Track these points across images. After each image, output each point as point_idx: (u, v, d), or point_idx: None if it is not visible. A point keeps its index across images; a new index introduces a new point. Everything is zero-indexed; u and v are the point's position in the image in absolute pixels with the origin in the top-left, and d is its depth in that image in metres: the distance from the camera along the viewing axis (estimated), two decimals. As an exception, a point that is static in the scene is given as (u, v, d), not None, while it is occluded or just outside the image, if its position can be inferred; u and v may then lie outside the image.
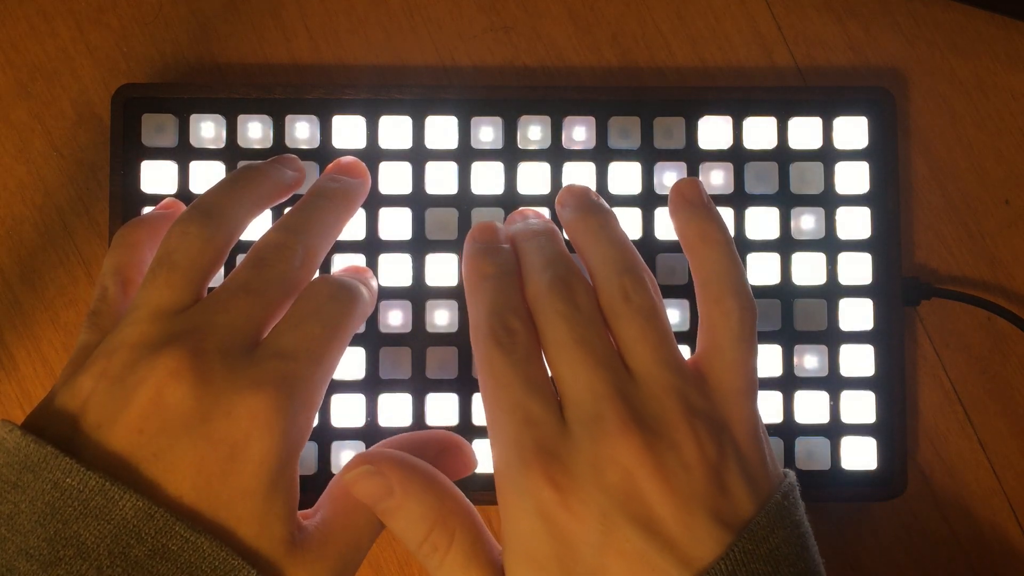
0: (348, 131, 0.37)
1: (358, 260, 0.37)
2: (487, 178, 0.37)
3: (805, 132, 0.38)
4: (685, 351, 0.32)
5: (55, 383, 0.29)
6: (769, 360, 0.37)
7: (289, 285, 0.31)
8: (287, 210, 0.33)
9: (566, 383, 0.29)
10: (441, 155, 0.37)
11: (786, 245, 0.38)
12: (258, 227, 0.33)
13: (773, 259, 0.37)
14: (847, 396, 0.37)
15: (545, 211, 0.37)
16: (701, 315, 0.31)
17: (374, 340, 0.37)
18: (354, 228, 0.37)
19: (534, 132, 0.38)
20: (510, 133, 0.37)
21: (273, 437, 0.27)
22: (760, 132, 0.38)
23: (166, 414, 0.27)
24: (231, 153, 0.37)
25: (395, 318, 0.37)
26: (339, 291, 0.31)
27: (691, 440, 0.27)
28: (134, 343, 0.28)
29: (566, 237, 0.34)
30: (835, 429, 0.37)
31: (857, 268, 0.38)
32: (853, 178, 0.38)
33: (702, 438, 0.27)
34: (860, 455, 0.37)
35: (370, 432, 0.36)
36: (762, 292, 0.37)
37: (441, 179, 0.37)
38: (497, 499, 0.28)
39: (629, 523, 0.26)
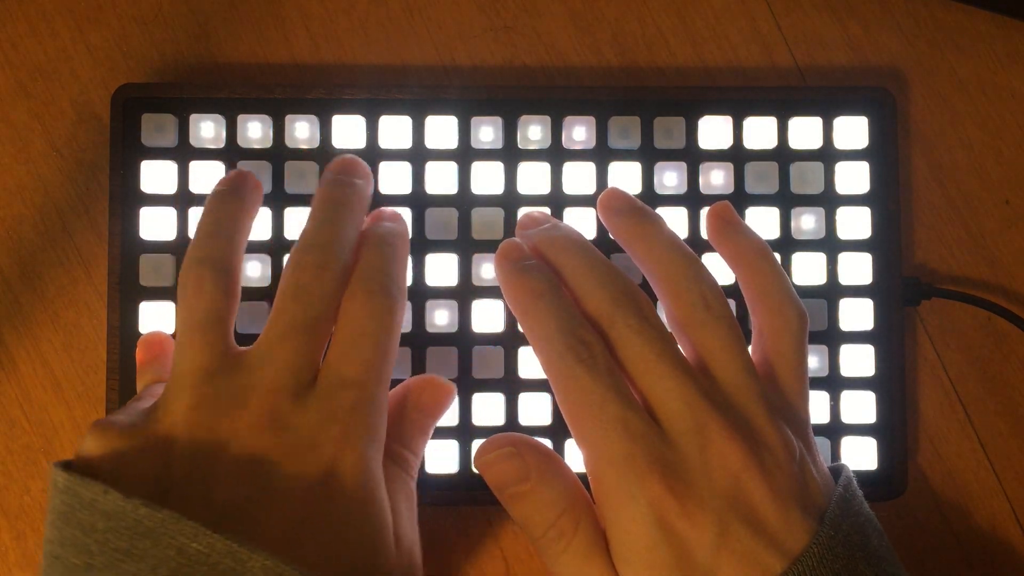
0: (348, 131, 0.37)
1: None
2: (487, 178, 0.37)
3: (805, 132, 0.38)
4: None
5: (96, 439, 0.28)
6: (769, 360, 0.37)
7: (331, 307, 0.30)
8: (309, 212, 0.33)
9: (658, 397, 0.29)
10: (441, 155, 0.37)
11: (786, 245, 0.38)
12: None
13: (773, 259, 0.37)
14: (847, 396, 0.37)
15: (546, 210, 0.37)
16: (760, 324, 0.33)
17: (374, 340, 0.37)
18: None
19: (534, 132, 0.38)
20: (510, 133, 0.37)
21: (359, 453, 0.28)
22: (760, 132, 0.38)
23: (255, 464, 0.27)
24: (231, 153, 0.37)
25: (395, 318, 0.37)
26: (377, 309, 0.30)
27: (780, 442, 0.29)
28: (194, 405, 0.28)
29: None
30: (835, 429, 0.37)
31: (857, 268, 0.38)
32: (853, 178, 0.38)
33: (787, 439, 0.29)
34: (860, 455, 0.37)
35: (370, 432, 0.36)
36: (762, 292, 0.37)
37: (441, 179, 0.37)
38: (605, 511, 0.29)
39: (740, 523, 0.27)
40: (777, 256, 0.37)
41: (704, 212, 0.36)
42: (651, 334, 0.30)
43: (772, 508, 0.28)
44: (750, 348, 0.33)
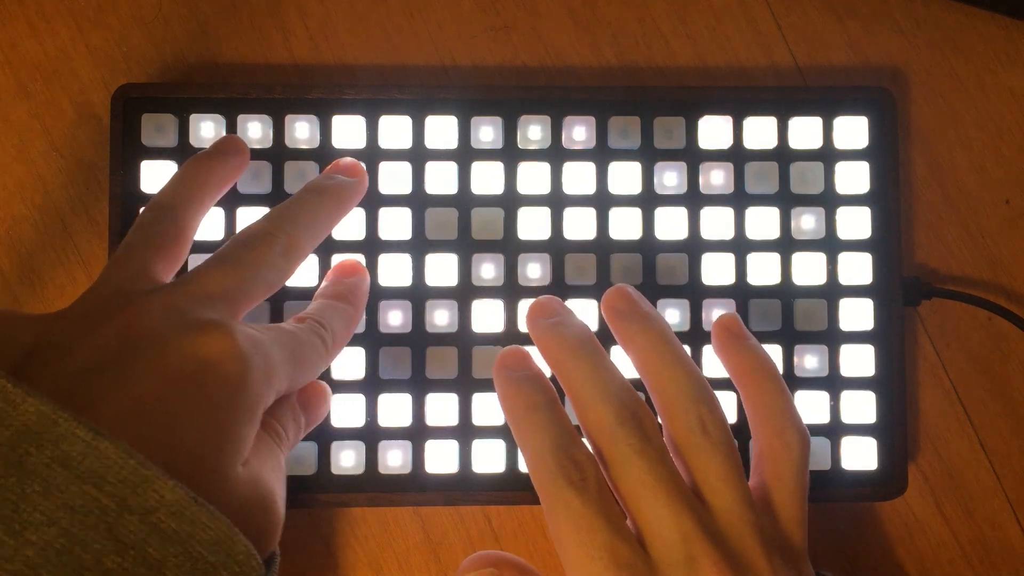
0: (348, 131, 0.37)
1: (358, 260, 0.37)
2: (487, 178, 0.37)
3: (805, 132, 0.38)
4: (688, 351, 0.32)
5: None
6: (769, 360, 0.37)
7: (267, 270, 0.31)
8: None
9: (650, 524, 0.29)
10: (441, 155, 0.37)
11: (786, 245, 0.38)
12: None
13: (773, 259, 0.37)
14: (847, 396, 0.37)
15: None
16: (761, 446, 0.32)
17: (374, 340, 0.37)
18: (354, 228, 0.37)
19: (534, 132, 0.38)
20: (510, 133, 0.37)
21: (245, 362, 0.28)
22: (760, 132, 0.38)
23: (118, 342, 0.27)
24: (231, 153, 0.37)
25: (395, 318, 0.37)
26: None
27: (772, 572, 0.29)
28: (91, 306, 0.29)
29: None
30: (835, 429, 0.37)
31: (857, 268, 0.38)
32: (853, 178, 0.38)
33: (778, 570, 0.29)
34: (860, 455, 0.37)
35: (370, 432, 0.36)
36: (762, 292, 0.37)
37: (441, 179, 0.37)
38: None
39: None
40: (777, 256, 0.37)
41: (712, 326, 0.35)
42: (651, 455, 0.29)
43: None
44: (750, 470, 0.33)
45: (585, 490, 0.29)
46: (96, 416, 0.25)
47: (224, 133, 0.37)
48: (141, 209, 0.36)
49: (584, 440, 0.31)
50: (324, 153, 0.37)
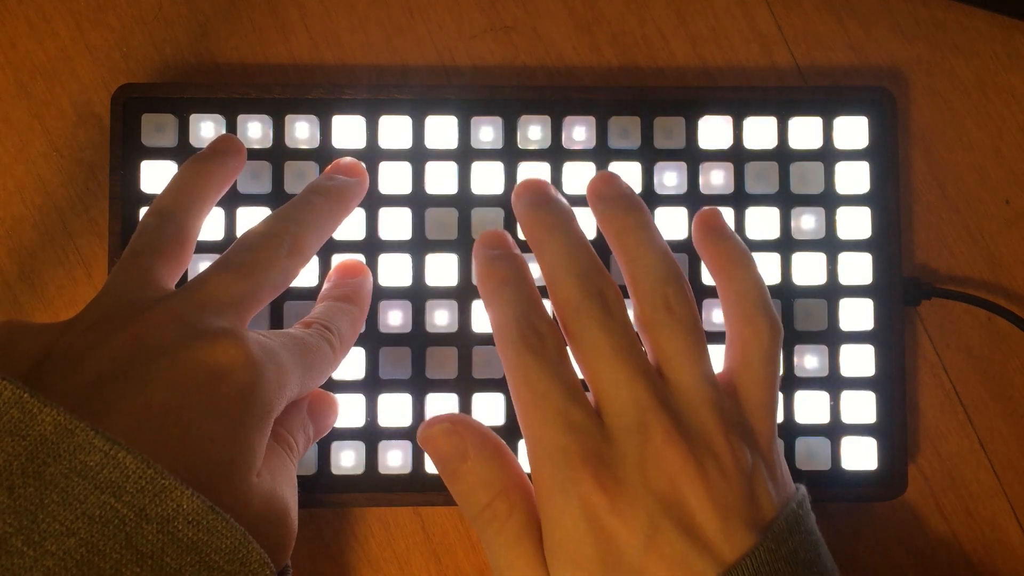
0: (348, 131, 0.37)
1: (359, 260, 0.37)
2: (487, 178, 0.37)
3: (805, 132, 0.38)
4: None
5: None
6: (769, 360, 0.37)
7: (274, 273, 0.31)
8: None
9: (606, 393, 0.29)
10: (441, 155, 0.37)
11: (786, 245, 0.38)
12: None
13: (773, 259, 0.37)
14: (847, 396, 0.37)
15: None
16: (731, 332, 0.32)
17: (374, 340, 0.37)
18: (354, 228, 0.37)
19: (534, 132, 0.38)
20: (510, 133, 0.37)
21: (256, 370, 0.28)
22: (760, 132, 0.38)
23: (129, 350, 0.27)
24: (231, 153, 0.37)
25: (395, 318, 0.37)
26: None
27: (728, 452, 0.28)
28: (98, 315, 0.29)
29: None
30: (835, 429, 0.37)
31: (857, 268, 0.38)
32: (853, 178, 0.38)
33: (737, 450, 0.29)
34: (860, 455, 0.37)
35: (370, 432, 0.36)
36: (762, 292, 0.37)
37: (441, 179, 0.37)
38: (539, 501, 0.29)
39: (673, 527, 0.27)
40: (777, 256, 0.37)
41: (692, 220, 0.36)
42: (612, 328, 0.30)
43: (710, 516, 0.27)
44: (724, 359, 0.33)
45: (544, 356, 0.29)
46: (109, 426, 0.25)
47: (224, 133, 0.37)
48: (142, 212, 0.36)
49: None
50: (324, 153, 0.37)
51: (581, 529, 0.27)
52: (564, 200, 0.34)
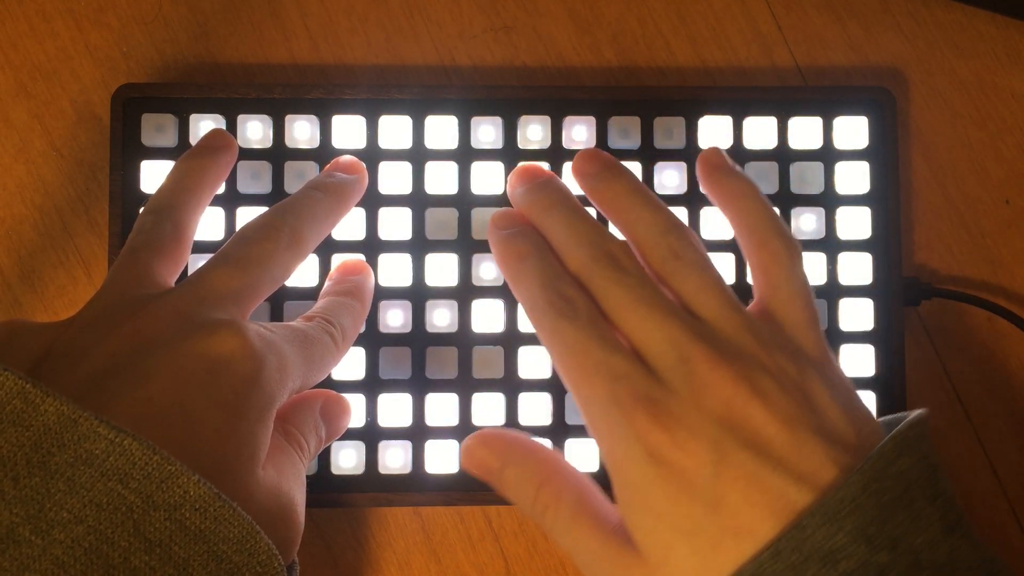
0: (348, 131, 0.37)
1: (359, 259, 0.37)
2: (487, 178, 0.37)
3: (805, 132, 0.38)
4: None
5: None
6: (769, 360, 0.37)
7: (273, 265, 0.31)
8: None
9: (641, 340, 0.29)
10: (441, 155, 0.37)
11: (786, 245, 0.37)
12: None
13: (773, 259, 0.37)
14: (847, 396, 0.37)
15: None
16: (751, 263, 0.32)
17: (374, 340, 0.37)
18: (354, 228, 0.37)
19: (534, 132, 0.38)
20: (510, 133, 0.37)
21: (257, 360, 0.28)
22: (760, 132, 0.38)
23: (130, 343, 0.27)
24: (231, 153, 0.37)
25: (395, 318, 0.37)
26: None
27: (776, 366, 0.28)
28: (96, 312, 0.29)
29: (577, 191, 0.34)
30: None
31: (857, 268, 0.38)
32: (853, 178, 0.38)
33: (783, 363, 0.28)
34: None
35: (370, 432, 0.36)
36: (762, 292, 0.37)
37: (441, 179, 0.37)
38: (605, 459, 0.29)
39: (739, 448, 0.26)
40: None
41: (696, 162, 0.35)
42: (629, 281, 0.30)
43: (776, 431, 0.26)
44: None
45: (576, 318, 0.29)
46: (112, 419, 0.25)
47: (215, 128, 0.37)
48: (140, 211, 0.36)
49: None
50: (324, 153, 0.37)
51: (648, 472, 0.27)
52: (557, 178, 0.34)
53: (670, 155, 0.38)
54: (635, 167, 0.37)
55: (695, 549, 0.26)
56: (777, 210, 0.37)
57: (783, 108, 0.38)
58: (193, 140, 0.37)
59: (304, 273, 0.36)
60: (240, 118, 0.37)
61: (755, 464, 0.26)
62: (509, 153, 0.37)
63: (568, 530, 0.28)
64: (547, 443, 0.31)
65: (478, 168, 0.37)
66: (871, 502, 0.25)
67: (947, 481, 0.27)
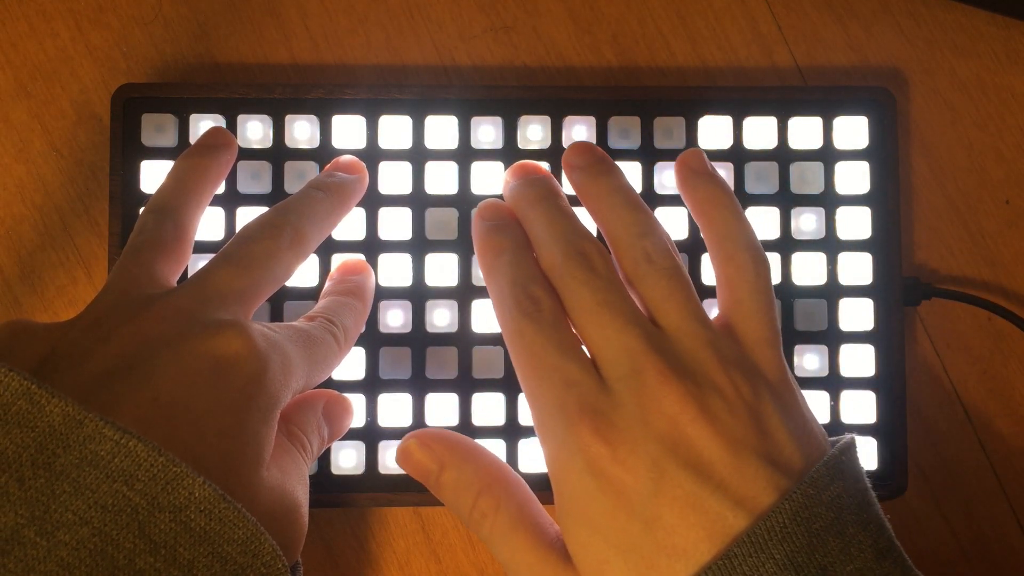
0: (348, 131, 0.37)
1: (360, 258, 0.37)
2: (487, 178, 0.37)
3: (805, 132, 0.38)
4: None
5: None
6: (769, 360, 0.37)
7: (275, 264, 0.31)
8: None
9: (598, 345, 0.29)
10: (441, 155, 0.37)
11: (786, 245, 0.38)
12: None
13: (773, 259, 0.37)
14: (847, 396, 0.37)
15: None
16: (717, 275, 0.31)
17: (374, 340, 0.37)
18: (354, 228, 0.37)
19: (534, 132, 0.38)
20: (510, 133, 0.37)
21: (261, 360, 0.28)
22: (760, 132, 0.38)
23: (134, 345, 0.27)
24: (231, 153, 0.37)
25: (395, 318, 0.37)
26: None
27: (729, 385, 0.28)
28: (101, 312, 0.29)
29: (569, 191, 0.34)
30: (835, 429, 0.37)
31: (857, 268, 0.38)
32: (853, 178, 0.38)
33: (740, 384, 0.28)
34: (860, 455, 0.37)
35: (370, 432, 0.36)
36: (762, 292, 0.37)
37: (441, 179, 0.37)
38: (547, 467, 0.29)
39: (680, 468, 0.26)
40: (777, 256, 0.37)
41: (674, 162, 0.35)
42: (596, 284, 0.29)
43: (719, 454, 0.26)
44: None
45: (539, 319, 0.29)
46: (118, 419, 0.25)
47: (213, 126, 0.37)
48: (140, 211, 0.36)
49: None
50: (324, 153, 0.37)
51: (588, 484, 0.27)
52: (550, 177, 0.35)
53: (670, 155, 0.37)
54: (635, 167, 0.37)
55: (630, 566, 0.26)
56: (777, 213, 0.37)
57: (783, 108, 0.38)
58: (193, 140, 0.37)
59: (304, 273, 0.36)
60: (240, 118, 0.37)
61: (694, 485, 0.26)
62: (509, 153, 0.37)
63: (506, 542, 0.28)
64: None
65: (478, 168, 0.37)
66: (801, 530, 0.25)
67: (878, 506, 0.28)
